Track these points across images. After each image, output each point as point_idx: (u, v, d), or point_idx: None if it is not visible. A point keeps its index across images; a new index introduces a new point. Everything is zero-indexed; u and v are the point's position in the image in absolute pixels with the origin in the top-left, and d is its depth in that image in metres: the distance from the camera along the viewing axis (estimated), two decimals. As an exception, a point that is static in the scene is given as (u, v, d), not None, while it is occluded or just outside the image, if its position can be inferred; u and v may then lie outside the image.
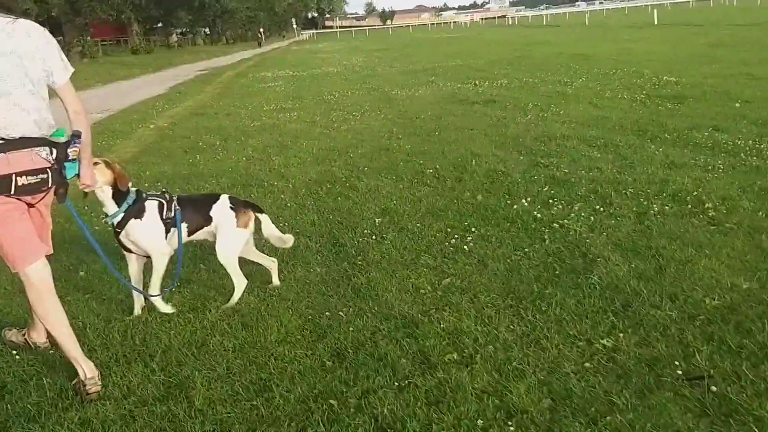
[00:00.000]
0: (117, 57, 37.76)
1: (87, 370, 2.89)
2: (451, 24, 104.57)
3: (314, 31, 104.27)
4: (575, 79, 13.28)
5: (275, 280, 3.91)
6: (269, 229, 3.89)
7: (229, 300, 3.66)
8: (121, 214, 3.46)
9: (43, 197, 2.94)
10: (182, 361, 3.02)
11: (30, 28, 2.84)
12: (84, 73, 25.46)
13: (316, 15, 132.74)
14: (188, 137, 9.67)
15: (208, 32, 67.52)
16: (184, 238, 3.65)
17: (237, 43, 67.71)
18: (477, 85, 13.76)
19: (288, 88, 16.96)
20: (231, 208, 3.67)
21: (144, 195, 3.56)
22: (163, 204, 3.57)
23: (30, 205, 2.90)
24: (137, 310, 3.62)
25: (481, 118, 9.46)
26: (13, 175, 2.71)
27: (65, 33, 36.34)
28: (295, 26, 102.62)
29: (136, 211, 3.48)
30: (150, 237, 3.53)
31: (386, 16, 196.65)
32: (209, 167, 7.44)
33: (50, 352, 3.26)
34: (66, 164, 2.91)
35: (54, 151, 2.86)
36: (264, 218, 3.85)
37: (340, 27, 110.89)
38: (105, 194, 3.40)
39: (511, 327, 3.12)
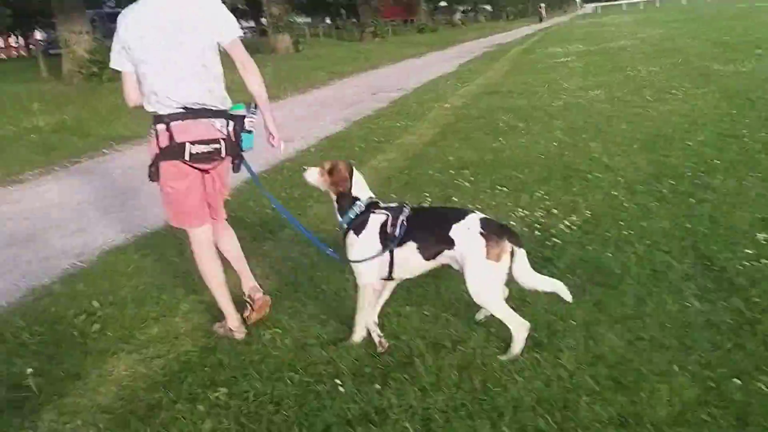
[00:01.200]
0: (405, 36, 39.14)
1: (233, 320, 3.22)
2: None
3: (597, 4, 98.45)
4: None
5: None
6: (522, 268, 2.75)
7: (508, 350, 2.76)
8: (345, 225, 2.99)
9: (216, 165, 3.08)
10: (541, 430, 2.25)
11: None
12: (376, 52, 26.63)
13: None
14: (484, 117, 9.02)
15: (490, 9, 67.29)
16: (418, 264, 2.88)
17: (517, 20, 66.58)
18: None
19: (582, 64, 15.57)
20: (481, 233, 2.71)
21: (374, 205, 2.97)
22: (387, 219, 2.88)
23: (205, 171, 3.06)
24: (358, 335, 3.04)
25: None
26: (187, 143, 2.89)
27: (361, 14, 38.68)
28: (577, 0, 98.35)
29: (357, 224, 2.94)
30: (358, 258, 2.93)
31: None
32: (516, 153, 6.65)
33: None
34: (243, 135, 3.04)
35: (230, 123, 3.01)
36: (520, 253, 2.75)
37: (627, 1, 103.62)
38: (333, 201, 3.06)
39: None
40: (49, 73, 18.58)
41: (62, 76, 17.47)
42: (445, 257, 2.82)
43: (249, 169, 3.15)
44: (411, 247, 2.83)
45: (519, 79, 13.42)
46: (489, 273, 2.70)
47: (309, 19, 50.62)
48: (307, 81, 17.04)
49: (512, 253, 2.72)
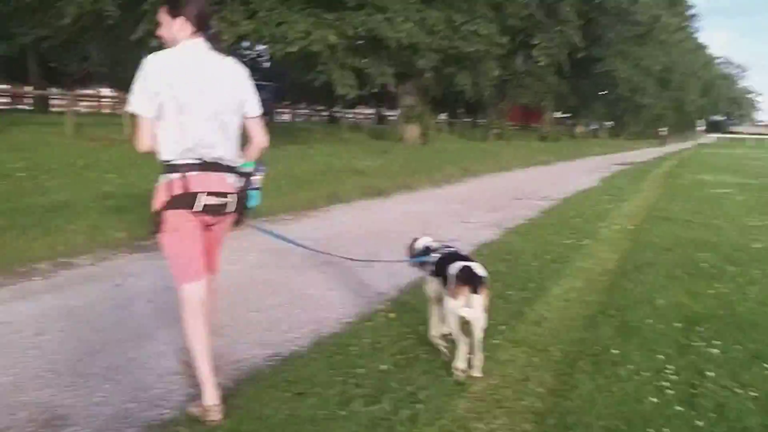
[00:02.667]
0: (527, 141, 38.34)
1: (210, 396, 3.08)
2: None
3: (717, 135, 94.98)
4: None
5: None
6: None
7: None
8: None
9: (221, 220, 3.16)
10: None
11: (233, 62, 3.13)
12: (503, 154, 25.74)
13: (720, 119, 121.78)
14: (672, 251, 7.59)
15: (612, 126, 65.96)
16: None
17: (636, 140, 64.76)
18: None
19: (748, 198, 13.92)
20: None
21: None
22: None
23: (208, 226, 3.14)
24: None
25: None
26: (199, 194, 2.96)
27: (488, 114, 38.37)
28: (699, 128, 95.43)
29: None
30: None
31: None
32: (752, 308, 5.22)
33: None
34: (249, 193, 3.20)
35: (241, 179, 3.14)
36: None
37: (751, 134, 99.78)
38: None
39: None
40: None
41: None
42: None
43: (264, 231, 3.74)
44: None
45: (686, 208, 11.89)
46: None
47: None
48: (440, 174, 16.18)
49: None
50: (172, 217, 2.98)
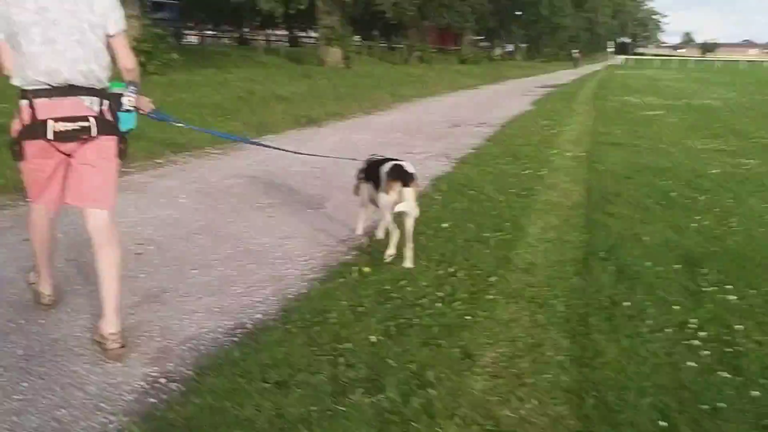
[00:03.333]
0: (448, 65, 37.59)
1: (45, 286, 3.34)
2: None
3: (625, 56, 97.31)
4: None
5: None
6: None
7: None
8: None
9: (84, 144, 2.89)
10: None
11: None
12: (429, 78, 25.04)
13: (627, 41, 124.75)
14: (633, 178, 7.24)
15: (527, 48, 66.07)
16: None
17: (551, 62, 65.28)
18: None
19: (680, 120, 13.92)
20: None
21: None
22: None
23: (68, 155, 2.90)
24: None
25: None
26: (49, 120, 2.77)
27: (409, 36, 37.14)
28: (609, 50, 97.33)
29: None
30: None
31: (707, 47, 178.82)
32: (745, 241, 4.89)
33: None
34: (120, 115, 3.00)
35: (105, 101, 2.92)
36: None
37: (655, 55, 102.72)
38: None
39: None
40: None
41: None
42: None
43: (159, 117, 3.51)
44: None
45: (626, 131, 11.66)
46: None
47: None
48: (371, 101, 15.35)
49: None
50: (27, 147, 2.84)
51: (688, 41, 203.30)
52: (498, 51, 55.90)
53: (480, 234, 4.90)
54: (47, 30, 2.75)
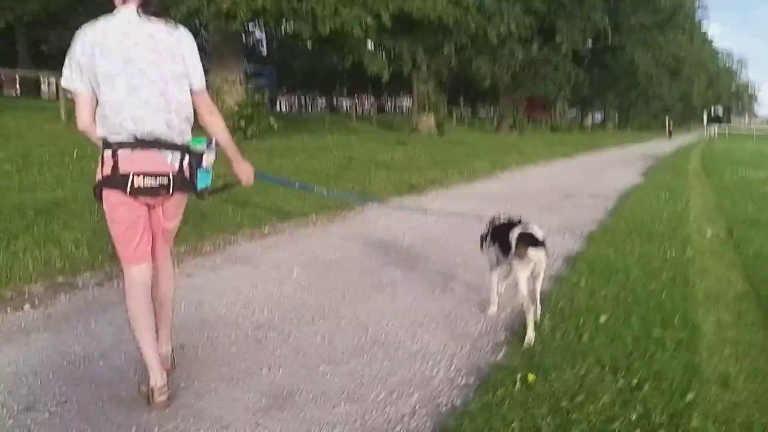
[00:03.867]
0: (539, 133, 36.92)
1: (156, 377, 2.86)
2: None
3: (717, 127, 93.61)
4: None
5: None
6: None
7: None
8: None
9: (162, 201, 2.90)
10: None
11: (178, 31, 2.84)
12: (523, 146, 24.38)
13: (721, 113, 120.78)
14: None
15: (618, 117, 64.66)
16: None
17: (642, 131, 63.48)
18: None
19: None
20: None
21: None
22: None
23: (150, 207, 2.90)
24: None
25: None
26: (131, 174, 2.73)
27: (501, 104, 36.81)
28: (705, 122, 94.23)
29: None
30: None
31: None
32: None
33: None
34: (199, 173, 2.93)
35: (185, 157, 2.87)
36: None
37: (755, 128, 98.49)
38: None
39: None
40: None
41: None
42: None
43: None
44: None
45: (758, 207, 10.55)
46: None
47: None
48: (468, 168, 14.79)
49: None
50: (108, 195, 2.81)
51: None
52: (589, 119, 54.76)
53: (649, 331, 4.12)
54: (131, 79, 2.73)
